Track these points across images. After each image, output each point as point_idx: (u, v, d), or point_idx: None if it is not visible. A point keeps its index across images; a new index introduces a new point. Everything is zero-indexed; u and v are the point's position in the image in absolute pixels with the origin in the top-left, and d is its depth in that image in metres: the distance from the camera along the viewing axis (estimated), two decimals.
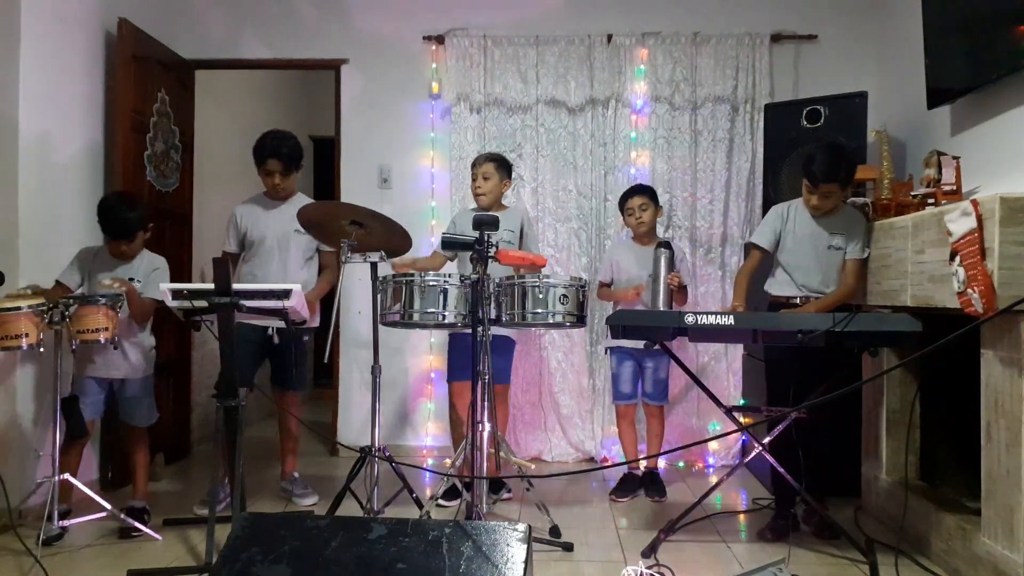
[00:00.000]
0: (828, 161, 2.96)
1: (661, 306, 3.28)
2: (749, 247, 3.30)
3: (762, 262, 3.21)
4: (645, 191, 3.63)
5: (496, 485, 3.43)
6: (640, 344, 3.40)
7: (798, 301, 3.07)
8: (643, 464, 3.68)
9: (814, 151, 3.02)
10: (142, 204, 3.21)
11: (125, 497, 3.19)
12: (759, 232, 3.23)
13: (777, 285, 3.17)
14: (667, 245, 3.37)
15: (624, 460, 3.71)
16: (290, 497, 3.47)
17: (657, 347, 3.43)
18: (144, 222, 3.13)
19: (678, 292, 3.39)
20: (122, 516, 2.90)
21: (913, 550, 2.74)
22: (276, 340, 3.23)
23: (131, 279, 3.08)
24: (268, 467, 3.92)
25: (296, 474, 3.54)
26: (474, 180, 3.53)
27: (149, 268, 3.15)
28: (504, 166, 3.56)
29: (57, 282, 3.10)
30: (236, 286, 2.66)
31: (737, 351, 4.16)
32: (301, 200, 3.52)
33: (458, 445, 3.57)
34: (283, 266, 3.42)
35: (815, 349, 2.62)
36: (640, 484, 3.62)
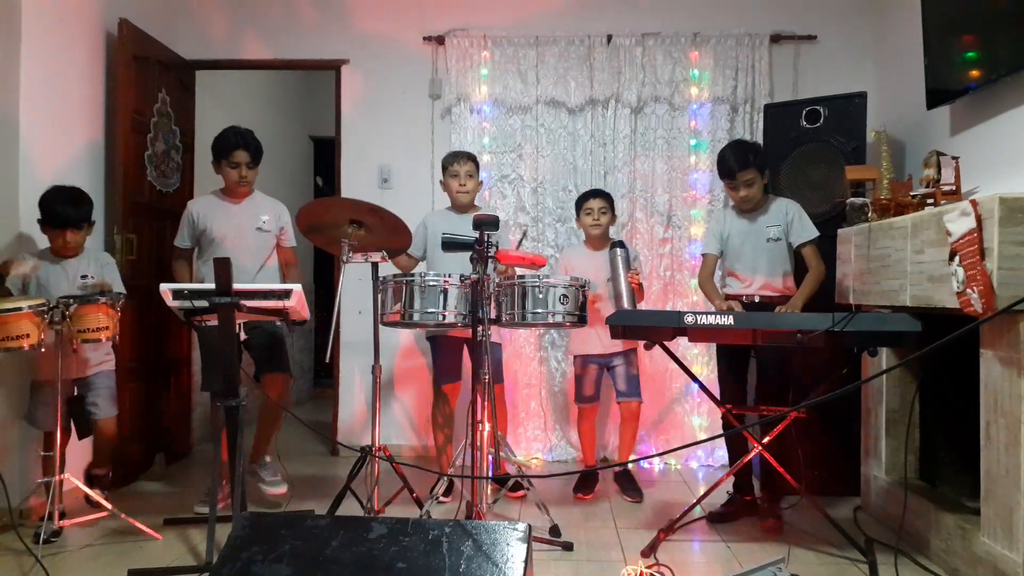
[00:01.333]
0: (735, 151, 3.17)
1: (626, 305, 3.29)
2: (703, 257, 3.42)
3: (715, 264, 3.34)
4: (606, 196, 3.65)
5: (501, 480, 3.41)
6: (605, 351, 3.47)
7: (756, 298, 3.19)
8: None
9: (720, 153, 3.23)
10: (87, 199, 3.13)
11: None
12: (705, 242, 3.41)
13: (730, 286, 3.30)
14: (621, 244, 3.37)
15: (624, 460, 3.71)
16: (258, 483, 3.32)
17: (632, 347, 3.49)
18: (88, 214, 3.09)
19: (636, 290, 3.40)
20: (122, 515, 2.91)
21: (912, 550, 2.75)
22: (243, 336, 3.18)
23: (83, 276, 3.05)
24: None
25: (268, 458, 3.39)
26: (456, 177, 3.49)
27: (100, 263, 3.13)
28: (478, 167, 3.57)
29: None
30: (237, 286, 2.66)
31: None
32: (260, 198, 3.52)
33: (443, 447, 3.58)
34: (241, 264, 3.26)
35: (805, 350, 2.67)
36: (594, 482, 3.62)
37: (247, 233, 3.40)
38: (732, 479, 3.12)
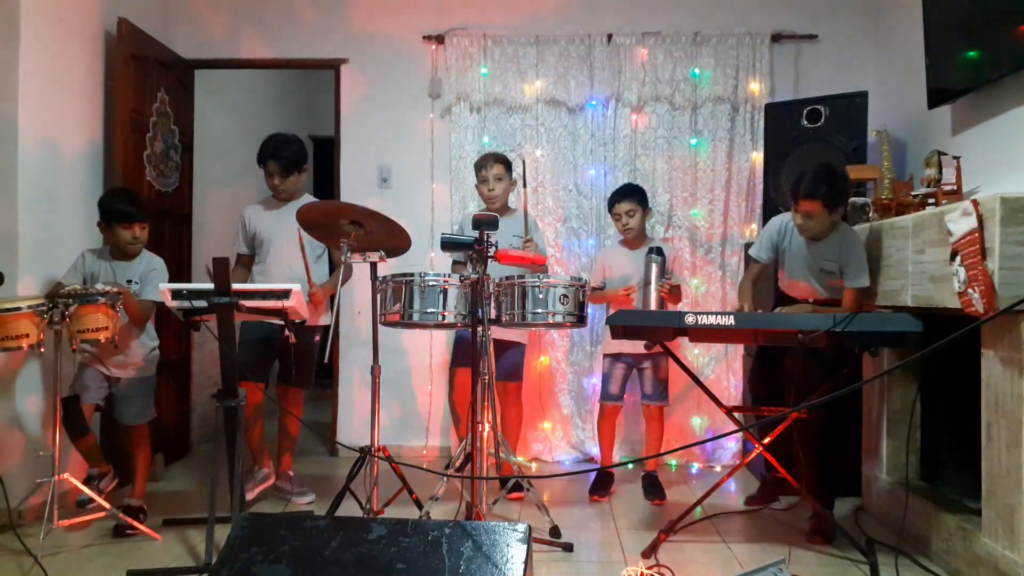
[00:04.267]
0: (811, 178, 2.87)
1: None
2: (749, 258, 3.32)
3: (763, 271, 3.25)
4: (633, 195, 3.57)
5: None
6: (637, 350, 3.41)
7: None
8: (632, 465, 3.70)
9: (802, 173, 2.96)
10: (143, 199, 3.26)
11: (125, 497, 3.18)
12: (758, 244, 3.24)
13: (786, 288, 3.22)
14: (659, 251, 3.33)
15: (625, 460, 3.71)
16: (286, 496, 3.47)
17: (656, 348, 3.47)
18: (144, 214, 3.16)
19: (669, 296, 3.37)
20: (120, 514, 2.90)
21: (914, 550, 2.74)
22: (293, 339, 3.22)
23: (129, 281, 3.08)
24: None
25: (292, 473, 3.54)
26: (484, 182, 3.50)
27: (147, 269, 3.16)
28: (510, 168, 3.55)
29: (58, 283, 3.07)
30: (235, 286, 2.66)
31: (738, 351, 4.16)
32: (308, 201, 3.53)
33: (462, 427, 3.60)
34: (289, 266, 3.41)
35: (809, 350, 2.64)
36: (610, 482, 3.63)
37: (294, 235, 3.41)
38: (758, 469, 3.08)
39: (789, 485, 3.09)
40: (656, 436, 3.62)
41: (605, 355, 3.69)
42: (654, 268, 3.28)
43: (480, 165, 3.54)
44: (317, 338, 3.51)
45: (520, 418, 3.76)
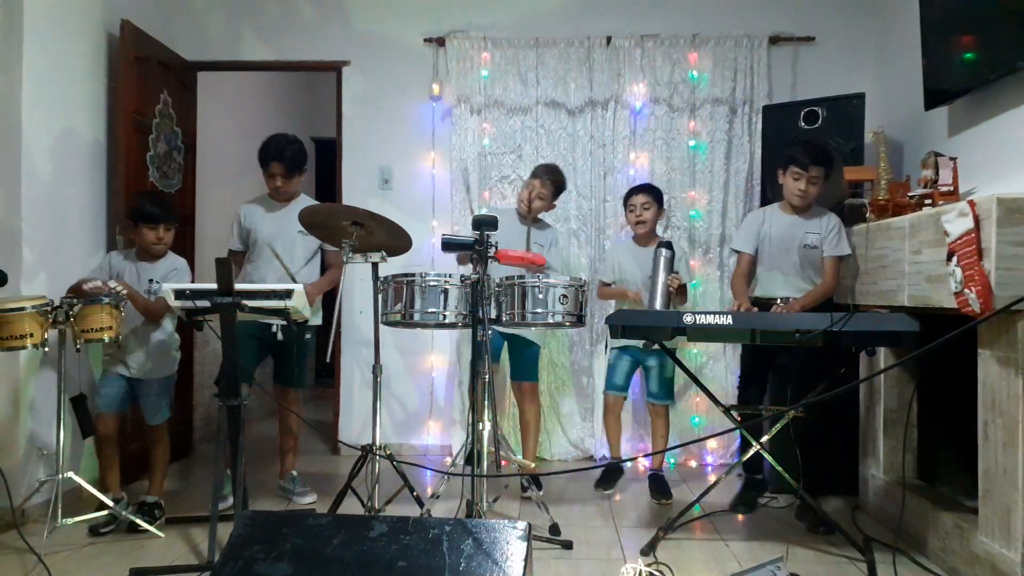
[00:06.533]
0: (814, 147, 3.24)
1: (659, 306, 3.29)
2: (735, 253, 3.44)
3: (752, 263, 3.33)
4: (651, 191, 3.64)
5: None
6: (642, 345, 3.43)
7: (778, 301, 3.19)
8: (644, 462, 3.71)
9: (795, 144, 3.31)
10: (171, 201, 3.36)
11: (128, 495, 3.20)
12: (740, 238, 3.39)
13: (761, 287, 3.29)
14: (668, 245, 3.37)
15: (624, 458, 3.72)
16: (289, 496, 3.48)
17: (656, 348, 3.49)
18: (176, 215, 3.28)
19: (677, 293, 3.40)
20: (123, 513, 2.92)
21: (911, 548, 2.76)
22: (280, 336, 3.25)
23: (151, 281, 3.15)
24: (270, 466, 3.94)
25: (295, 473, 3.56)
26: (529, 190, 3.52)
27: (169, 269, 3.22)
28: (551, 187, 3.56)
29: (81, 280, 3.04)
30: (238, 286, 2.68)
31: (736, 351, 4.17)
32: (304, 202, 3.55)
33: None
34: (289, 267, 3.43)
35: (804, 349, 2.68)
36: (617, 476, 3.66)
37: (290, 236, 3.43)
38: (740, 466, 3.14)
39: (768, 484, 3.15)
40: (662, 434, 3.64)
41: (612, 347, 3.70)
42: (662, 262, 3.29)
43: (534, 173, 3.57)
44: (308, 336, 3.51)
45: (539, 417, 3.73)
